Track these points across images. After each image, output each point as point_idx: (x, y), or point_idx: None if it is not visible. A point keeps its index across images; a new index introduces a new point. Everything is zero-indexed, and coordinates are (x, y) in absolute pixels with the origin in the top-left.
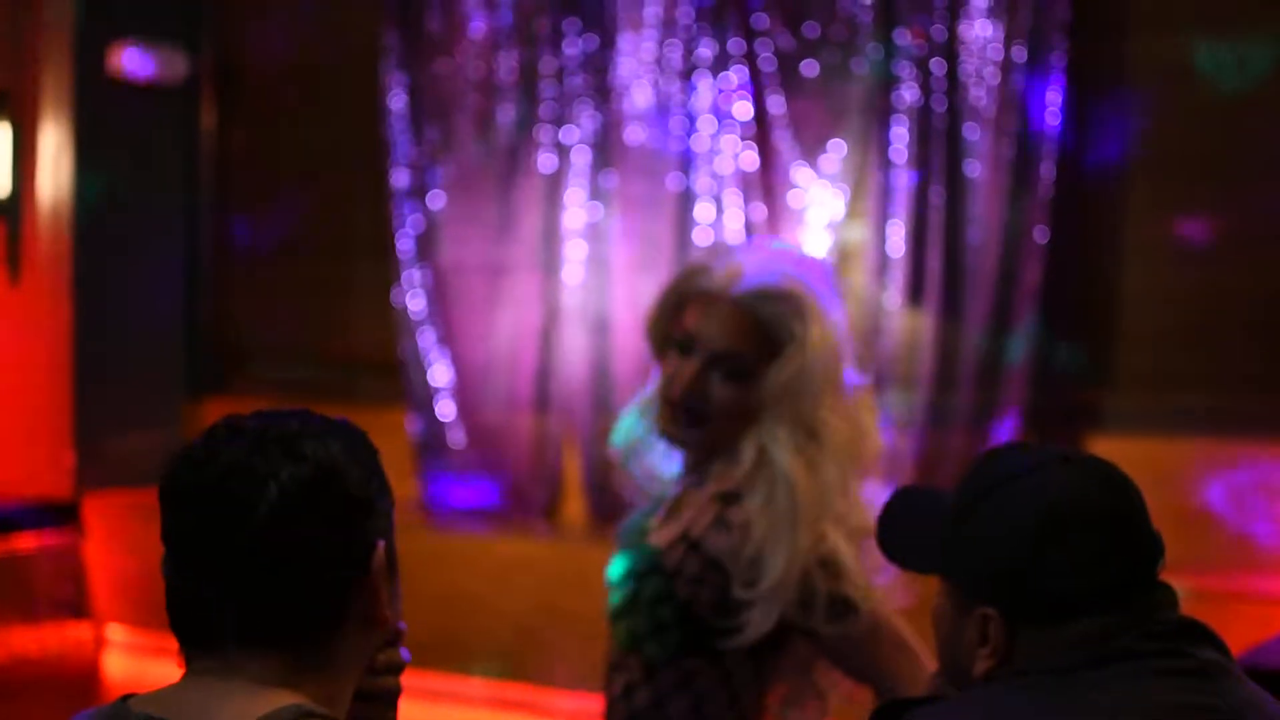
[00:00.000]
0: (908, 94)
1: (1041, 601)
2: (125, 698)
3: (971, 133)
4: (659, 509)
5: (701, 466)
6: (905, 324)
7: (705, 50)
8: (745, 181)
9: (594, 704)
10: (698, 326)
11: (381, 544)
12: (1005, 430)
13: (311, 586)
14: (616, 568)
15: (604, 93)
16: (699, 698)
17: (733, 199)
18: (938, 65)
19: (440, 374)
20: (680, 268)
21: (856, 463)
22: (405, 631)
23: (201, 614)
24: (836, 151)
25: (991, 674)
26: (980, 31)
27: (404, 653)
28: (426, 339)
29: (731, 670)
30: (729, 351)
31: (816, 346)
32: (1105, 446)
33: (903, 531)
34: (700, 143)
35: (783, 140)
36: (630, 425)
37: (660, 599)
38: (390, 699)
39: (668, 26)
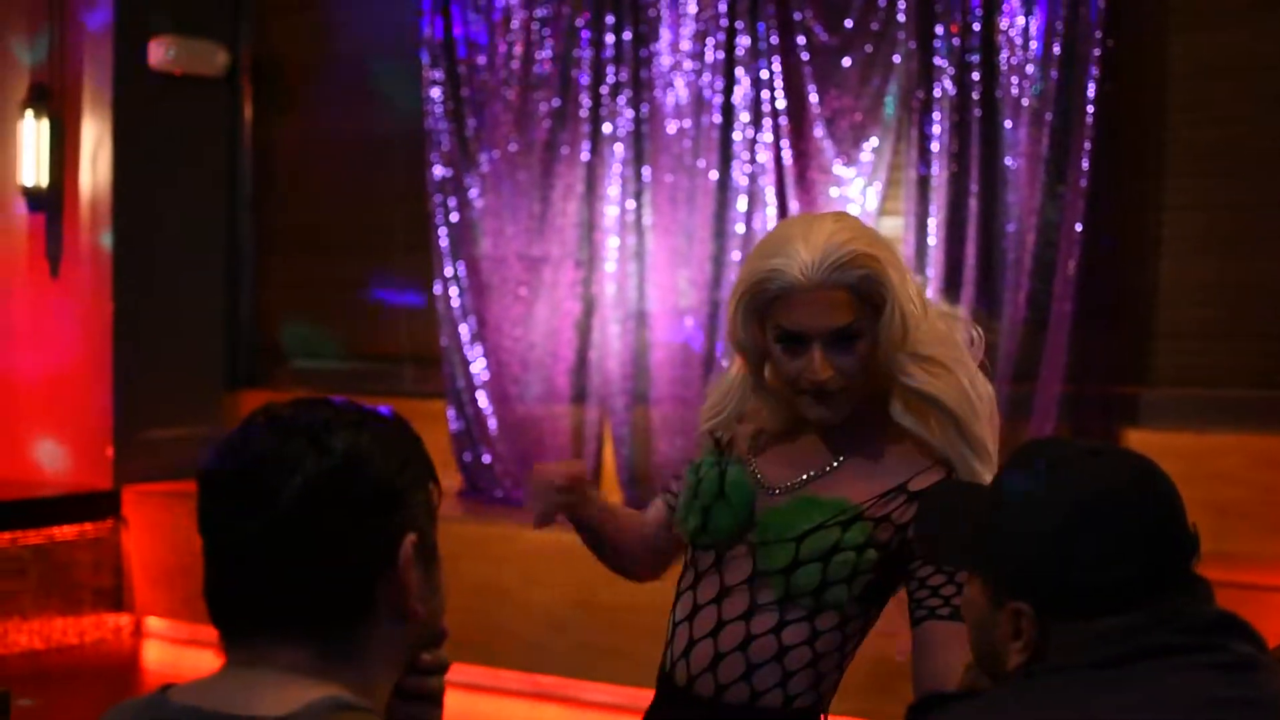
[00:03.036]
0: (945, 87)
1: (1074, 596)
2: (165, 687)
3: (1009, 125)
4: (819, 476)
5: (848, 432)
6: None
7: (743, 43)
8: (782, 174)
9: (625, 696)
10: (802, 321)
11: (413, 536)
12: (1042, 423)
13: (335, 577)
14: (780, 524)
15: (642, 85)
16: (845, 639)
17: (769, 192)
18: (975, 58)
19: (478, 366)
20: (743, 281)
21: (968, 366)
22: (448, 634)
23: (234, 602)
24: (873, 144)
25: (1025, 668)
26: (1017, 24)
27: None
28: (465, 331)
29: (873, 619)
30: (840, 328)
31: (899, 285)
32: (1141, 440)
33: (936, 527)
34: (737, 135)
35: (819, 133)
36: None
37: (864, 546)
38: (435, 698)
39: (705, 19)
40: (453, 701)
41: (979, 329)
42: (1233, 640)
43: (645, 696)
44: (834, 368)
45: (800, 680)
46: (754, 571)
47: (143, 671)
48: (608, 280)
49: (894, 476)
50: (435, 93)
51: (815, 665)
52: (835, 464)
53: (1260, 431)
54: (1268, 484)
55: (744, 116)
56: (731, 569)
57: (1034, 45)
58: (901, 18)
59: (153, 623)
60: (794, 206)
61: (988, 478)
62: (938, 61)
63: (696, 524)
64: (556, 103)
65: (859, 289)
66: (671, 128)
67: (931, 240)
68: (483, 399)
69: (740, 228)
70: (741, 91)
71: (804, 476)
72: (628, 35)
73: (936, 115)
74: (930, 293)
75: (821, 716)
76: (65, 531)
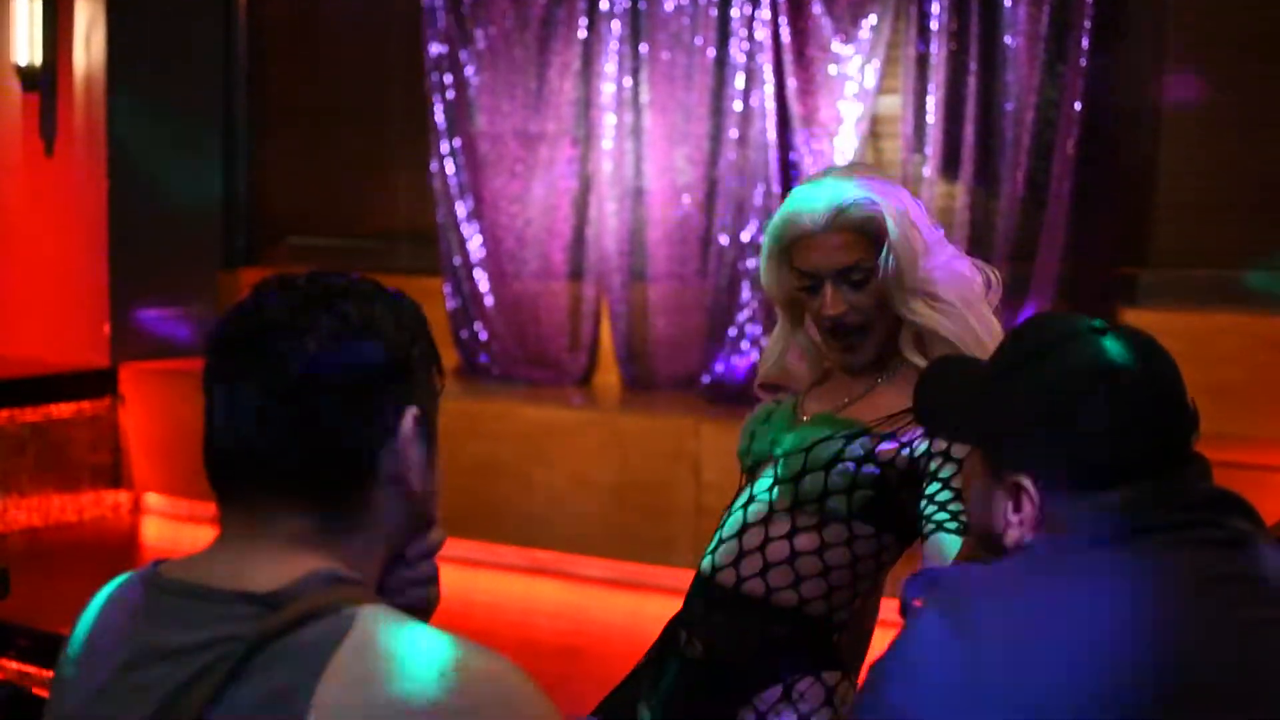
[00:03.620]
0: None
1: (1074, 470)
2: (157, 563)
3: (1008, 3)
4: (843, 406)
5: (873, 371)
6: (940, 195)
7: None
8: (780, 51)
9: (622, 571)
10: (814, 263)
11: (415, 410)
12: (1039, 302)
13: (339, 445)
14: (798, 438)
15: None
16: (855, 558)
17: (767, 69)
18: None
19: (475, 243)
20: (768, 235)
21: (977, 306)
22: (436, 521)
23: (233, 466)
24: (871, 21)
25: (1023, 542)
26: None
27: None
28: (461, 208)
29: (886, 546)
30: (847, 266)
31: (899, 227)
32: (1139, 319)
33: (938, 399)
34: (735, 12)
35: (818, 9)
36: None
37: (863, 459)
38: (430, 579)
39: None
40: (451, 577)
41: (996, 273)
42: (1230, 517)
43: (641, 571)
44: (846, 303)
45: (811, 587)
46: (775, 481)
47: (141, 548)
48: (604, 157)
49: (906, 400)
50: None
51: (826, 576)
52: (860, 395)
53: (1257, 311)
54: (1266, 364)
55: None
56: (761, 474)
57: None
58: None
59: (151, 499)
60: (791, 84)
61: None
62: None
63: (744, 446)
64: None
65: (866, 230)
66: (669, 4)
67: (930, 119)
68: (479, 276)
69: (738, 105)
70: None
71: (832, 407)
72: None
73: None
74: (928, 168)
75: (834, 637)
76: (63, 409)
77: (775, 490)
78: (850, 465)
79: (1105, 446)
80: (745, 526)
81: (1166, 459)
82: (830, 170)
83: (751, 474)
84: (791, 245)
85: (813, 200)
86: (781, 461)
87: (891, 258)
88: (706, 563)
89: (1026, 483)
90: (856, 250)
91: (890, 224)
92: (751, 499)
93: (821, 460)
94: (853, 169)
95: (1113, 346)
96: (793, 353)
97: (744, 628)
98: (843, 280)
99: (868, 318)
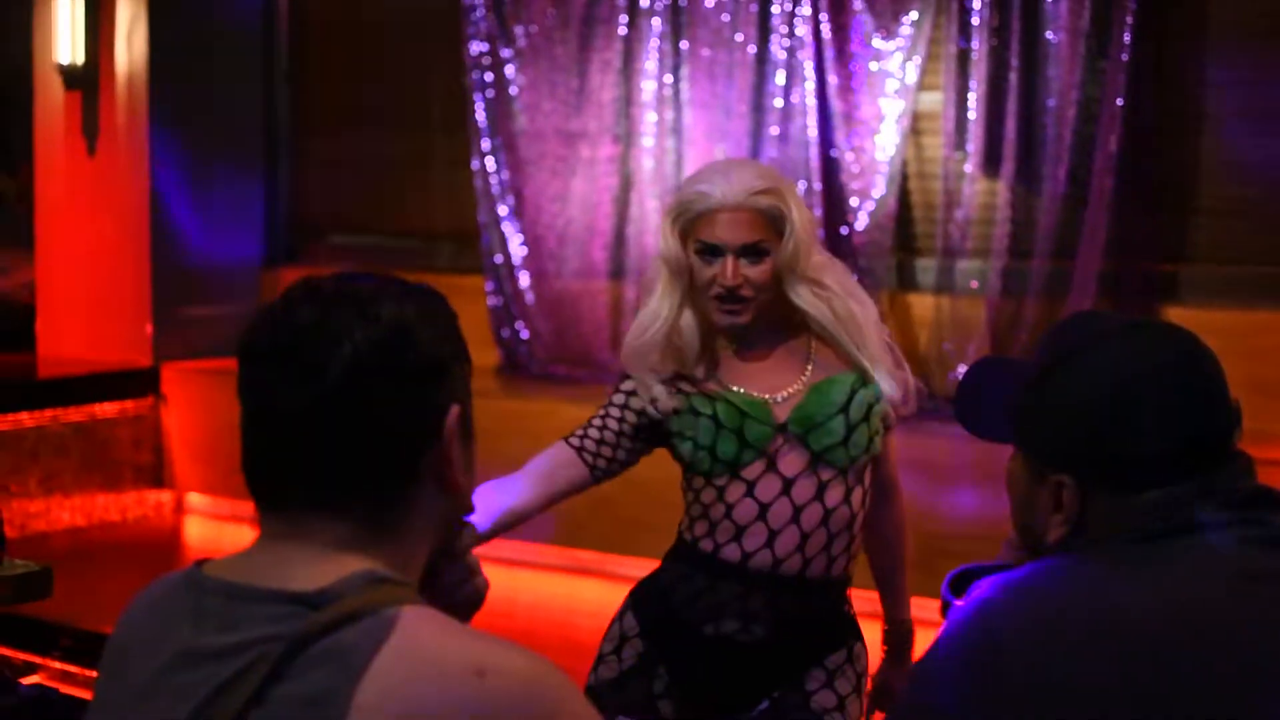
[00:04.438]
0: None
1: (1116, 468)
2: (200, 563)
3: None
4: (807, 374)
5: (758, 335)
6: (981, 192)
7: None
8: (820, 48)
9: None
10: (720, 236)
11: (456, 408)
12: (1080, 300)
13: (382, 448)
14: (819, 406)
15: None
16: (865, 493)
17: (808, 66)
18: None
19: (516, 242)
20: (674, 204)
21: (855, 291)
22: (474, 509)
23: (274, 474)
24: (912, 17)
25: (1065, 541)
26: None
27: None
28: (503, 208)
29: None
30: (750, 243)
31: (798, 220)
32: (1180, 316)
33: (980, 401)
34: (776, 8)
35: (859, 5)
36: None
37: (879, 398)
38: (474, 569)
39: None
40: (493, 578)
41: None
42: (1274, 514)
43: None
44: (743, 276)
45: (854, 544)
46: (812, 455)
47: (184, 547)
48: (645, 155)
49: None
50: None
51: (854, 526)
52: (809, 366)
53: None
54: None
55: None
56: (785, 463)
57: None
58: None
59: (193, 499)
60: (832, 81)
61: (884, 382)
62: None
63: (736, 446)
64: None
65: (768, 214)
66: (709, 1)
67: (971, 115)
68: (521, 275)
69: (778, 102)
70: None
71: (794, 380)
72: None
73: None
74: (970, 165)
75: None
76: (106, 409)
77: (818, 464)
78: (882, 405)
79: (1145, 446)
80: (798, 510)
81: (1208, 457)
82: (732, 160)
83: (758, 464)
84: (698, 217)
85: (726, 179)
86: (813, 435)
87: (792, 243)
88: (762, 557)
89: (1068, 481)
90: (759, 231)
91: (794, 213)
92: (789, 482)
93: (862, 411)
94: (759, 163)
95: (1151, 344)
96: (686, 325)
97: (815, 606)
98: (743, 255)
99: (757, 292)
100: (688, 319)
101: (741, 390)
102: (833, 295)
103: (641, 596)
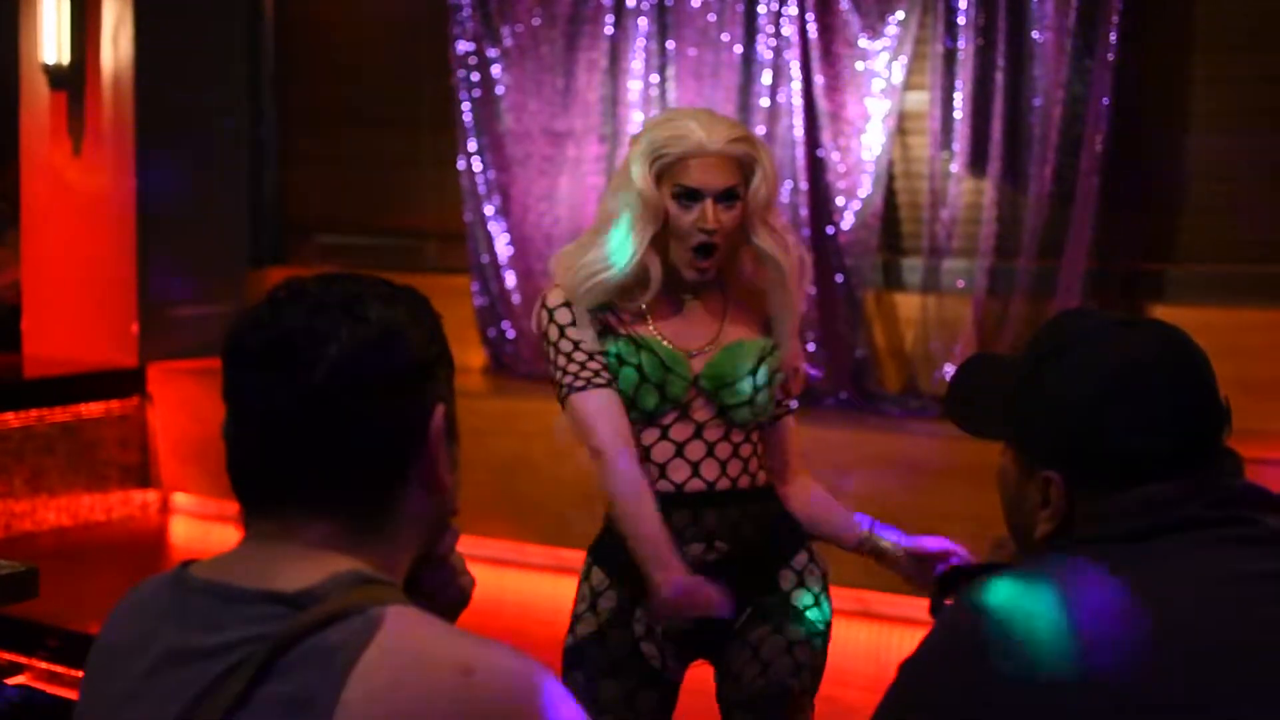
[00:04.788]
0: None
1: (1105, 465)
2: (185, 564)
3: None
4: (720, 335)
5: (714, 302)
6: (967, 191)
7: None
8: (806, 47)
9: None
10: (700, 180)
11: (441, 408)
12: (1067, 299)
13: (369, 449)
14: (731, 367)
15: None
16: (756, 447)
17: (794, 65)
18: None
19: (502, 241)
20: (650, 145)
21: (800, 245)
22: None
23: (260, 475)
24: (898, 17)
25: (1051, 537)
26: None
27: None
28: (489, 207)
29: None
30: (729, 187)
31: (770, 165)
32: (1167, 316)
33: (969, 397)
34: (762, 8)
35: (845, 5)
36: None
37: (778, 369)
38: (459, 570)
39: None
40: (480, 576)
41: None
42: (1263, 513)
43: None
44: (718, 221)
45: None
46: (720, 407)
47: (170, 547)
48: None
49: (761, 327)
50: None
51: (760, 451)
52: (721, 324)
53: None
54: None
55: None
56: (697, 411)
57: None
58: None
59: (180, 499)
60: (818, 80)
61: (786, 339)
62: None
63: (657, 399)
64: None
65: (743, 162)
66: (695, 1)
67: (957, 114)
68: (507, 274)
69: (765, 102)
70: None
71: (710, 336)
72: None
73: None
74: (956, 164)
75: None
76: (92, 409)
77: (726, 414)
78: (781, 375)
79: (1134, 443)
80: (711, 446)
81: (1197, 455)
82: (698, 108)
83: (673, 411)
84: (677, 160)
85: (704, 125)
86: (725, 392)
87: (764, 188)
88: (694, 483)
89: (1056, 478)
90: (734, 176)
91: (765, 159)
92: (700, 426)
93: (767, 379)
94: (717, 111)
95: (1141, 341)
96: (649, 266)
97: (761, 511)
98: (720, 200)
99: (729, 238)
100: (653, 261)
101: (665, 342)
102: (790, 246)
103: (602, 551)
